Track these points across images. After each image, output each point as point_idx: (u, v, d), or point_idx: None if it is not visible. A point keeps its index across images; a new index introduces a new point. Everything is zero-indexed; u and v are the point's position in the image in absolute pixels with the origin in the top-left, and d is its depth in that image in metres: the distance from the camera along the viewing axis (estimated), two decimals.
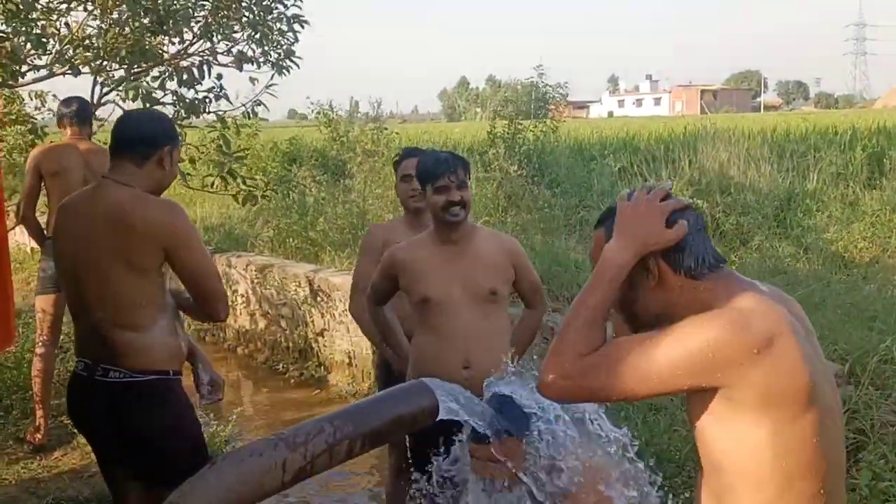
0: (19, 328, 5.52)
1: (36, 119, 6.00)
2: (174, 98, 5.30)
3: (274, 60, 5.44)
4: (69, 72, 4.98)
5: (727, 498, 1.34)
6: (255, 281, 6.67)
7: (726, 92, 72.30)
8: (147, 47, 5.09)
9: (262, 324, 6.68)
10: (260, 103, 5.51)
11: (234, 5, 5.27)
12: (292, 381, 6.00)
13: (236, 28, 5.39)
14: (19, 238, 8.88)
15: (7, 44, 4.41)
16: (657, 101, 73.43)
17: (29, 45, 4.65)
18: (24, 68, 4.90)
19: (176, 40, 5.33)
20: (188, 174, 5.63)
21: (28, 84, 5.38)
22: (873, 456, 2.81)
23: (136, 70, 5.28)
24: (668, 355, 1.29)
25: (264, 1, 5.36)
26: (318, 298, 5.99)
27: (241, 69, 5.39)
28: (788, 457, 1.28)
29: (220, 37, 5.35)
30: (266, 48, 5.40)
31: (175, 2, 5.08)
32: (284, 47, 5.47)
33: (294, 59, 5.51)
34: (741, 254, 5.69)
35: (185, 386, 2.37)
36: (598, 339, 1.36)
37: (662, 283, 1.38)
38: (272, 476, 1.76)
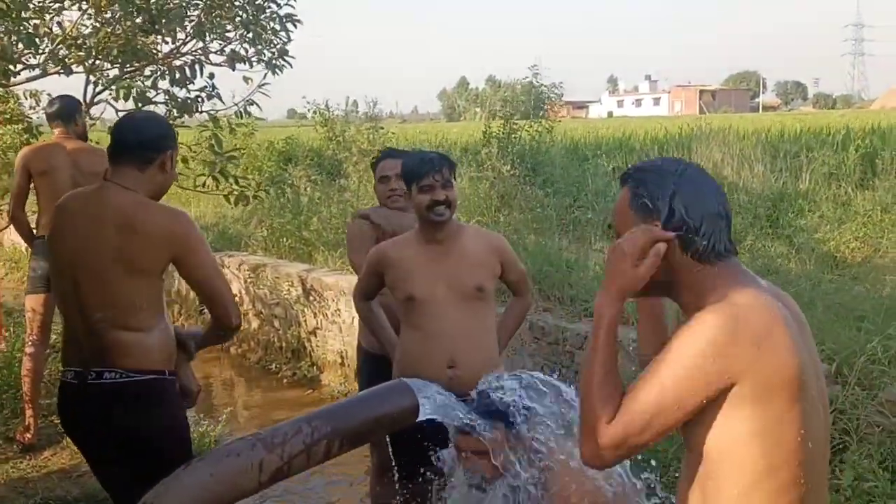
0: (10, 327, 5.53)
1: (31, 118, 6.00)
2: (166, 97, 5.30)
3: (267, 60, 5.44)
4: (62, 71, 4.98)
5: (709, 484, 1.36)
6: (248, 280, 6.68)
7: (725, 92, 72.34)
8: (139, 47, 5.09)
9: (255, 323, 6.68)
10: (253, 103, 5.51)
11: (227, 4, 5.27)
12: (285, 380, 6.01)
13: (229, 27, 5.38)
14: (16, 238, 8.87)
15: None
16: (656, 102, 73.47)
17: (21, 45, 4.66)
18: (19, 67, 4.90)
19: (168, 39, 5.33)
20: (180, 174, 5.63)
21: (22, 83, 5.38)
22: (856, 456, 2.81)
23: (128, 69, 5.28)
24: (685, 374, 1.30)
25: (257, 0, 5.36)
26: (311, 298, 5.99)
27: (233, 68, 5.39)
28: (771, 446, 1.30)
29: (212, 36, 5.35)
30: (259, 47, 5.40)
31: (168, 1, 5.08)
32: (278, 46, 5.47)
33: (287, 58, 5.51)
34: None
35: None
36: (616, 390, 1.38)
37: (668, 256, 1.40)
38: (248, 476, 1.77)
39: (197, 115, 5.45)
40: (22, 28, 4.57)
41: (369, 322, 2.91)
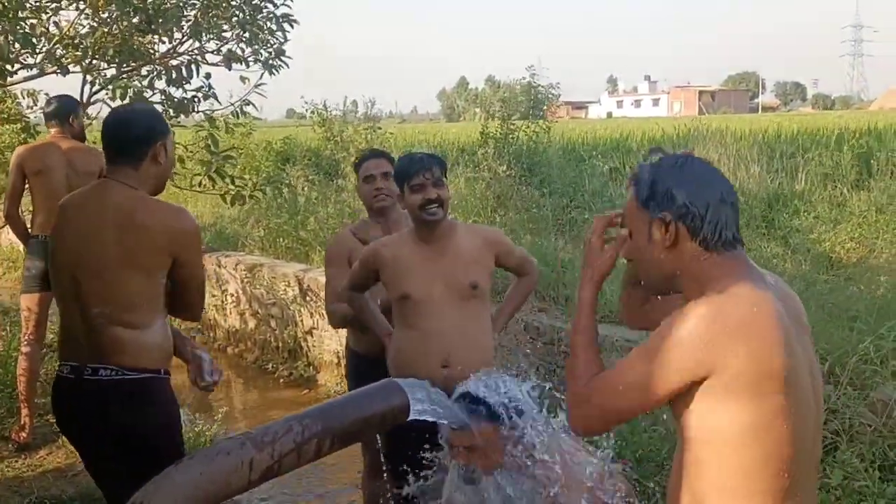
0: (6, 327, 5.54)
1: (28, 118, 6.01)
2: (163, 97, 5.30)
3: (264, 60, 5.45)
4: (58, 71, 4.98)
5: (693, 470, 1.39)
6: (245, 280, 6.68)
7: (724, 93, 72.39)
8: (136, 46, 5.09)
9: (251, 323, 6.69)
10: (249, 103, 5.51)
11: (223, 4, 5.27)
12: (281, 380, 6.02)
13: (226, 27, 5.39)
14: (12, 237, 8.85)
15: None
16: (655, 102, 73.51)
17: (18, 45, 4.66)
18: (16, 67, 4.90)
19: (165, 39, 5.33)
20: (176, 173, 5.64)
21: (19, 83, 5.39)
22: (847, 455, 2.82)
23: (125, 69, 5.28)
24: (662, 364, 1.36)
25: (254, 0, 5.37)
26: (308, 298, 6.00)
27: (230, 68, 5.40)
28: (754, 437, 1.32)
29: (209, 36, 5.35)
30: (256, 47, 5.41)
31: (165, 1, 5.09)
32: (275, 46, 5.48)
33: (284, 58, 5.52)
34: None
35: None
36: (595, 361, 1.53)
37: (677, 244, 1.43)
38: (239, 475, 1.77)
39: (193, 115, 5.46)
40: (19, 27, 4.57)
41: (359, 310, 2.90)
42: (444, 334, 2.61)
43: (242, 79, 5.47)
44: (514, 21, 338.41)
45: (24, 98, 5.99)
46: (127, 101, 5.09)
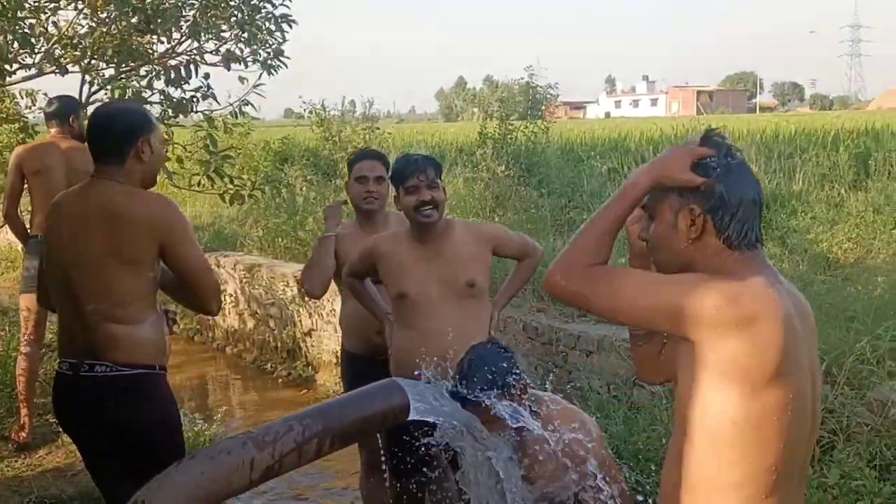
0: (6, 326, 5.54)
1: (27, 118, 6.01)
2: (162, 97, 5.31)
3: (262, 60, 5.45)
4: (57, 71, 4.99)
5: (687, 459, 1.42)
6: (244, 280, 6.69)
7: (722, 93, 72.45)
8: (135, 46, 5.10)
9: (250, 324, 6.70)
10: (247, 103, 5.52)
11: (222, 5, 5.27)
12: (280, 380, 6.02)
13: (224, 27, 5.39)
14: (12, 237, 8.85)
15: None
16: (654, 102, 73.57)
17: (17, 44, 4.66)
18: (14, 67, 4.91)
19: (164, 39, 5.34)
20: (175, 173, 5.64)
21: (17, 83, 5.39)
22: (844, 455, 2.83)
23: (124, 69, 5.29)
24: (662, 292, 1.40)
25: (252, 0, 5.37)
26: (306, 298, 6.00)
27: (228, 68, 5.40)
28: (746, 427, 1.35)
29: (208, 36, 5.36)
30: (255, 48, 5.41)
31: (164, 1, 5.09)
32: (273, 47, 5.48)
33: (283, 58, 5.53)
34: None
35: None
36: (606, 253, 1.49)
37: (701, 237, 1.44)
38: (240, 474, 1.78)
39: (192, 115, 5.47)
40: (18, 27, 4.58)
41: (359, 294, 2.92)
42: (443, 334, 2.61)
43: (241, 79, 5.49)
44: (513, 21, 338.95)
45: (22, 98, 6.00)
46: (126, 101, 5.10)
